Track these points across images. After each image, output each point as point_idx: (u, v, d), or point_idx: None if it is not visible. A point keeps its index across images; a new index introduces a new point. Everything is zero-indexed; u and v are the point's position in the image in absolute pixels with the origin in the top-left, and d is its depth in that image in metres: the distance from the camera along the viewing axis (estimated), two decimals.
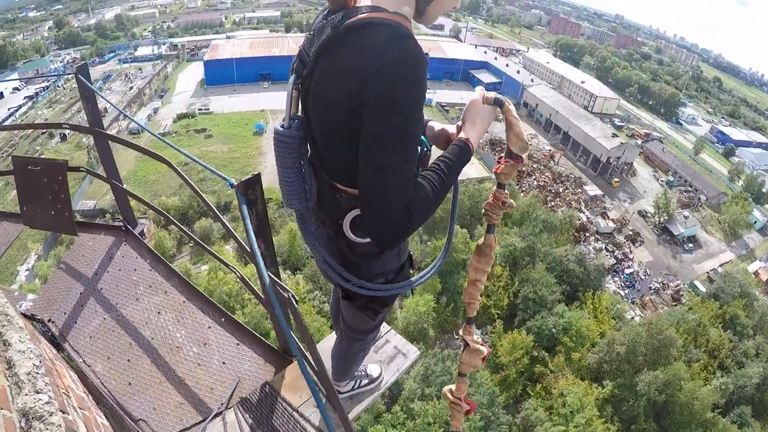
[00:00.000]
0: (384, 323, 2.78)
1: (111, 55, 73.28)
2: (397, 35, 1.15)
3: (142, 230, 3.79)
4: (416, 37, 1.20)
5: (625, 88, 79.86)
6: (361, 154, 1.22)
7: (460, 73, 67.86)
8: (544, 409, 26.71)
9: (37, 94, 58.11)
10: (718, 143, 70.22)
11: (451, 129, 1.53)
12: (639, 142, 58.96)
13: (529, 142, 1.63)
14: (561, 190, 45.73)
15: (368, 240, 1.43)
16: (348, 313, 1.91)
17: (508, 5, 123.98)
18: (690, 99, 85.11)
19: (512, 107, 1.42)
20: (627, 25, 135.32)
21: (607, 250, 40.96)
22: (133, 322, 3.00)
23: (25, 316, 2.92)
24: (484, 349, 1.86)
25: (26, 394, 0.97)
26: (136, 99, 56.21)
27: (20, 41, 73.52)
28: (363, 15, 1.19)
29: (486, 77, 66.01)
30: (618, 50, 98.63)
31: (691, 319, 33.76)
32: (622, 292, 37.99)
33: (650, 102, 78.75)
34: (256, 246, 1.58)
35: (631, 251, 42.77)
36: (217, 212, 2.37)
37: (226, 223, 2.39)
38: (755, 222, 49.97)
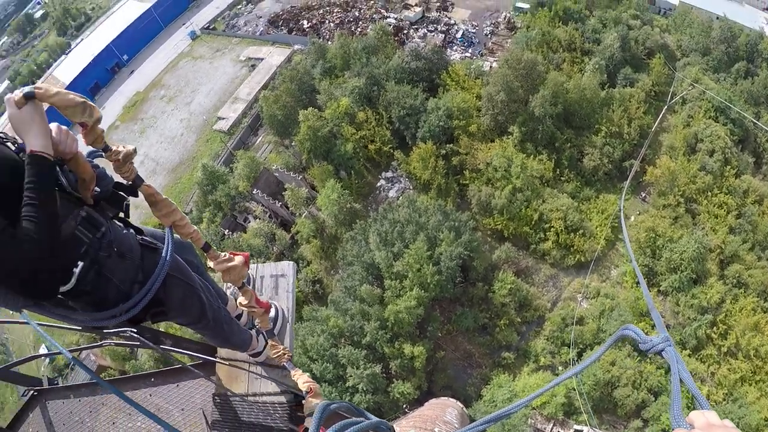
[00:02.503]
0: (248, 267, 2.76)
1: None
2: None
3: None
4: None
5: None
6: None
7: None
8: (484, 183, 27.92)
9: None
10: None
11: None
12: None
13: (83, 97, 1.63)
14: (357, 13, 42.67)
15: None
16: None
17: None
18: None
19: (43, 90, 1.48)
20: None
21: (430, 31, 40.14)
22: None
23: None
24: (237, 259, 2.22)
25: None
26: None
27: None
28: None
29: None
30: None
31: (535, 33, 34.64)
32: (468, 54, 38.08)
33: None
34: None
35: (449, 18, 42.26)
36: None
37: None
38: None
